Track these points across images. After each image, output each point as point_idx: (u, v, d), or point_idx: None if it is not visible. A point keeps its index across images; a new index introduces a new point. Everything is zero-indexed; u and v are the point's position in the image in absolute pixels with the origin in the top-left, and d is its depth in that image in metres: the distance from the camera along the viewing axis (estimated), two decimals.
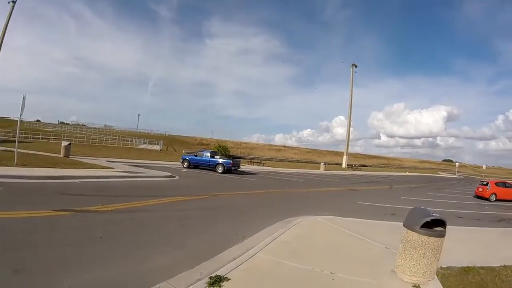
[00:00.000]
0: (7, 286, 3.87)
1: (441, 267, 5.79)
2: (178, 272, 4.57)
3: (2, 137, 41.91)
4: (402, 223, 5.43)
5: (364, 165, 72.93)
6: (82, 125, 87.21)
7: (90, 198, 9.64)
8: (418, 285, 4.89)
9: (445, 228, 5.16)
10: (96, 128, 78.21)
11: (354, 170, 53.14)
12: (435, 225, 5.10)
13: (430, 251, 4.96)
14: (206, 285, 4.07)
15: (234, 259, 5.24)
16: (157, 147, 54.14)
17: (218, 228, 7.74)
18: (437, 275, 5.36)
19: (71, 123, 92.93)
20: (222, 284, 4.12)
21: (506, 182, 24.84)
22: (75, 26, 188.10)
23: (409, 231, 5.16)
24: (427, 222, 5.00)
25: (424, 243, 4.95)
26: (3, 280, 4.00)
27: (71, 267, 4.56)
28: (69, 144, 24.75)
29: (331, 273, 5.08)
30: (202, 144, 71.19)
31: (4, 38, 41.87)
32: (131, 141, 58.69)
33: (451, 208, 16.12)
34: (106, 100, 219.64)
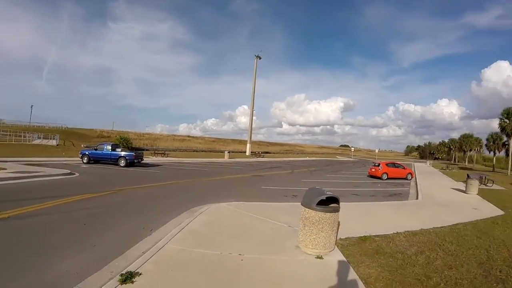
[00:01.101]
0: None
1: (340, 239, 6.54)
2: (89, 274, 4.42)
3: None
4: (300, 203, 5.98)
5: (267, 152, 75.54)
6: None
7: None
8: (321, 255, 5.50)
9: (339, 204, 5.82)
10: None
11: (257, 157, 54.87)
12: (330, 202, 5.73)
13: (328, 225, 5.58)
14: (118, 283, 4.03)
15: (144, 253, 5.23)
16: (53, 142, 48.80)
17: (125, 224, 7.50)
18: (337, 246, 6.07)
19: None
20: (134, 280, 4.13)
21: (395, 163, 28.49)
22: None
23: (306, 209, 5.72)
24: (322, 200, 5.59)
25: (321, 219, 5.54)
26: None
27: None
28: None
29: (239, 254, 5.38)
30: (103, 136, 66.34)
31: None
32: (24, 137, 52.38)
33: (347, 187, 17.94)
34: None
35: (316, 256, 5.50)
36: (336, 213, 5.73)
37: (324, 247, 5.63)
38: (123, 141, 46.83)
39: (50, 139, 50.83)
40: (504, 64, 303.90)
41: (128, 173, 19.99)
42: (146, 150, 47.86)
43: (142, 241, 6.08)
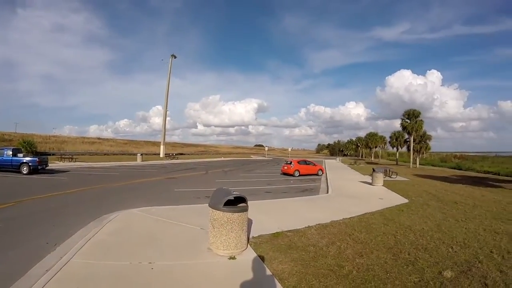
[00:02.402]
0: None
1: (253, 237, 6.84)
2: None
3: None
4: (208, 204, 6.16)
5: (182, 154, 74.36)
6: None
7: None
8: (234, 256, 5.72)
9: (247, 203, 6.10)
10: None
11: (172, 159, 53.66)
12: (238, 202, 6.01)
13: (237, 225, 5.83)
14: None
15: (47, 271, 4.99)
16: None
17: (27, 239, 7.05)
18: (250, 244, 6.34)
19: None
20: None
21: (307, 160, 30.20)
22: None
23: (214, 210, 5.92)
24: (230, 200, 5.84)
25: (229, 219, 5.79)
26: None
27: None
28: None
29: (149, 263, 5.34)
30: (4, 140, 59.17)
31: None
32: None
33: (261, 185, 18.61)
34: None
35: (229, 257, 5.66)
36: (245, 212, 5.97)
37: (235, 247, 5.85)
38: (27, 145, 42.84)
39: None
40: (406, 72, 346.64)
41: (31, 181, 18.40)
42: (52, 154, 44.26)
43: (46, 257, 5.76)
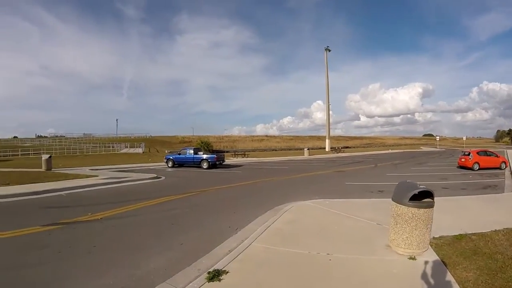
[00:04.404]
0: None
1: (433, 237, 5.92)
2: (176, 271, 4.57)
3: None
4: (391, 198, 5.54)
5: (347, 147, 73.66)
6: (61, 136, 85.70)
7: (79, 209, 9.44)
8: (414, 256, 5.02)
9: (433, 199, 5.27)
10: (75, 138, 76.63)
11: (338, 153, 53.56)
12: (423, 197, 5.21)
13: (422, 222, 5.08)
14: (206, 280, 4.08)
15: (230, 251, 5.28)
16: (139, 150, 53.44)
17: (211, 223, 7.73)
18: (431, 245, 5.49)
19: (49, 136, 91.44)
20: (221, 278, 4.15)
21: (487, 151, 25.55)
22: (39, 34, 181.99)
23: (398, 205, 5.26)
24: (415, 194, 5.10)
25: (414, 216, 5.06)
26: None
27: (68, 281, 4.49)
28: (50, 157, 24.07)
29: (327, 254, 5.16)
30: (184, 142, 70.62)
31: None
32: (113, 147, 58.01)
33: (435, 180, 16.55)
34: (82, 109, 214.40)
35: (408, 257, 5.04)
36: (431, 208, 5.18)
37: (417, 247, 5.13)
38: (204, 145, 49.04)
39: (136, 147, 55.78)
40: None
41: (211, 174, 20.93)
42: (227, 152, 49.48)
43: (228, 239, 6.16)
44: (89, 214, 8.61)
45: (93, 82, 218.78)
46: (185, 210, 9.35)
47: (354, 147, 79.62)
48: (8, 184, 14.09)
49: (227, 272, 4.33)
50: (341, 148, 63.20)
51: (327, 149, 59.65)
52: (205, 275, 4.22)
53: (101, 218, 8.20)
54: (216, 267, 4.50)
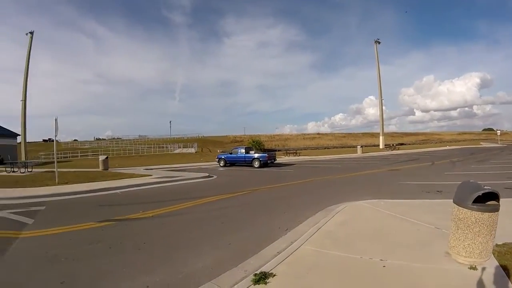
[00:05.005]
0: None
1: (496, 245, 5.31)
2: (223, 271, 4.52)
3: (43, 160, 44.44)
4: (452, 200, 5.06)
5: (402, 144, 70.45)
6: (118, 138, 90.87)
7: (131, 207, 9.80)
8: (475, 266, 4.49)
9: (498, 201, 4.73)
10: (131, 140, 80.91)
11: (392, 150, 51.42)
12: (486, 199, 4.70)
13: (485, 228, 4.56)
14: (252, 282, 3.95)
15: (279, 253, 5.12)
16: (192, 150, 55.12)
17: (260, 223, 7.64)
18: (493, 254, 4.94)
19: (106, 138, 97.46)
20: (267, 281, 3.99)
21: None
22: (93, 45, 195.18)
23: (460, 208, 4.77)
24: (478, 196, 4.61)
25: (478, 220, 4.55)
26: None
27: (117, 275, 4.63)
28: (107, 157, 25.51)
29: (381, 260, 4.80)
30: (236, 141, 71.73)
31: (29, 67, 43.90)
32: (166, 147, 60.33)
33: (498, 179, 15.19)
34: (137, 112, 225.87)
35: (469, 266, 4.48)
36: (496, 212, 4.58)
37: (479, 255, 4.57)
38: (255, 144, 49.39)
39: (189, 147, 57.71)
40: None
41: (263, 173, 20.95)
42: (278, 150, 49.52)
43: (277, 240, 6.00)
44: (141, 211, 8.88)
45: (147, 87, 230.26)
46: (235, 209, 9.36)
47: (409, 144, 75.82)
48: (66, 183, 14.99)
49: (274, 275, 4.16)
50: (396, 145, 60.43)
51: (381, 146, 57.80)
52: (251, 277, 4.10)
53: (152, 216, 8.43)
54: (263, 269, 4.36)
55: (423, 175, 17.98)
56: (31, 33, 44.01)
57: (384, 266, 4.58)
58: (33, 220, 8.30)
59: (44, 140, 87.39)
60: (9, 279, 4.64)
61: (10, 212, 9.19)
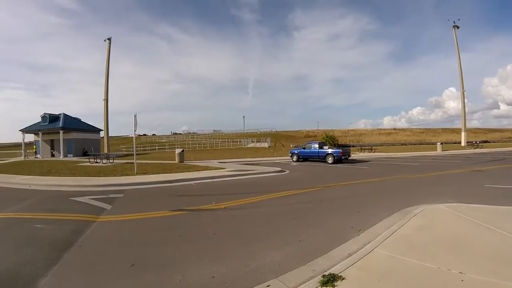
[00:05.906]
0: (121, 279, 4.22)
1: None
2: (290, 269, 4.45)
3: (124, 152, 49.05)
4: None
5: (486, 141, 63.68)
6: (193, 133, 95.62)
7: (204, 198, 10.18)
8: None
9: None
10: (206, 134, 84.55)
11: (475, 148, 46.98)
12: None
13: None
14: (319, 284, 3.83)
15: (350, 255, 4.90)
16: (265, 144, 55.83)
17: (332, 221, 7.43)
18: None
19: (183, 133, 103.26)
20: (335, 284, 3.82)
21: None
22: (170, 47, 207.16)
23: None
24: None
25: None
26: (119, 272, 4.48)
27: (185, 262, 4.81)
28: (182, 150, 26.82)
29: (460, 273, 4.31)
30: (309, 136, 71.20)
31: (109, 69, 48.37)
32: (240, 142, 61.89)
33: None
34: (211, 108, 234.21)
35: None
36: None
37: None
38: (329, 139, 48.68)
39: (262, 142, 58.69)
40: None
41: (336, 169, 20.50)
42: (352, 146, 48.23)
43: (348, 241, 5.77)
44: (214, 203, 9.18)
45: (221, 83, 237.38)
46: (307, 205, 9.19)
47: (493, 142, 68.01)
48: (144, 174, 16.05)
49: (343, 279, 3.98)
50: (479, 142, 55.12)
51: (462, 144, 52.71)
52: (319, 278, 3.97)
53: (224, 208, 8.66)
54: (332, 271, 4.20)
55: (510, 178, 16.26)
56: (109, 39, 48.43)
57: (462, 280, 4.09)
58: (111, 206, 9.11)
59: (138, 135, 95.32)
60: (84, 259, 5.07)
61: (91, 198, 10.14)
